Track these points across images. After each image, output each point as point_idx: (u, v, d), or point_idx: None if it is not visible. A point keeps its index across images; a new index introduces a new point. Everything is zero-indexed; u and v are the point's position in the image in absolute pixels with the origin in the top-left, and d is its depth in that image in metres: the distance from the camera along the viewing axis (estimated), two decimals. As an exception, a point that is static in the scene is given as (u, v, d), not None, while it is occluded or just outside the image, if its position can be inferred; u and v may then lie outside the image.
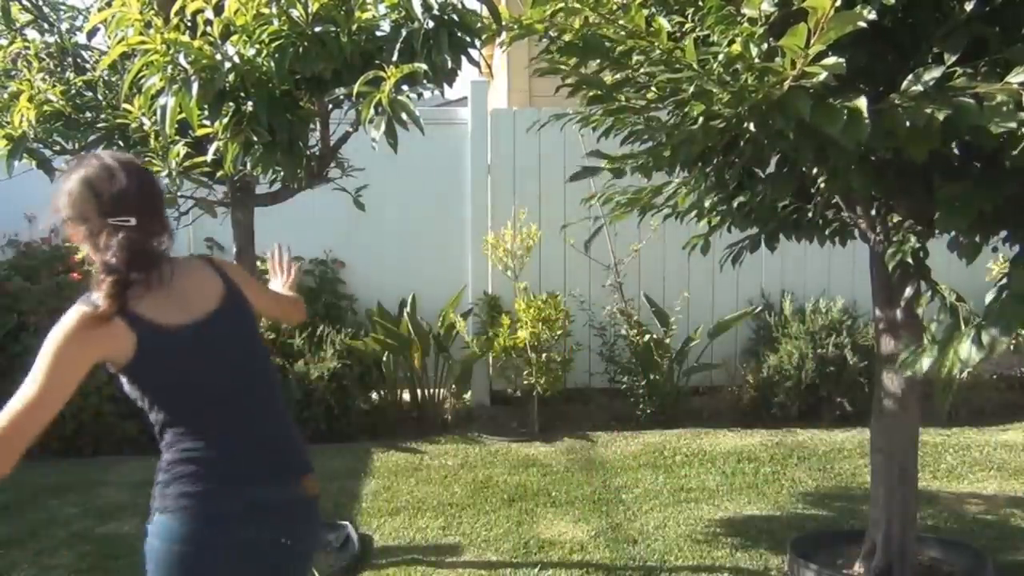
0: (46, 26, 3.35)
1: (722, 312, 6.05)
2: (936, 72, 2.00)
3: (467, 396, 6.00)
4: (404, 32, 2.56)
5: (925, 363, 2.36)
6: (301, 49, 2.52)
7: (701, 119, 2.32)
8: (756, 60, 2.02)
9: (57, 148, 3.20)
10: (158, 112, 2.59)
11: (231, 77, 2.53)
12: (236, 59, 2.52)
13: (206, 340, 1.68)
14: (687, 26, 2.39)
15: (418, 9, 2.52)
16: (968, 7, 2.10)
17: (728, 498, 4.24)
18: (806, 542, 3.47)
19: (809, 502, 4.19)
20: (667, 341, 5.66)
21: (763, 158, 2.86)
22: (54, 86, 3.06)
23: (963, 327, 2.29)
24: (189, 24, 2.67)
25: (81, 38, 3.34)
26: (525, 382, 5.49)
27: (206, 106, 2.58)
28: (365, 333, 5.57)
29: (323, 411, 5.19)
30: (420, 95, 2.67)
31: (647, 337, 5.59)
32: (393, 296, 5.96)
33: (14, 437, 1.46)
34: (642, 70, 2.38)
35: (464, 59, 2.66)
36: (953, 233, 2.57)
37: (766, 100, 2.06)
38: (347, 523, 3.81)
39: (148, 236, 1.64)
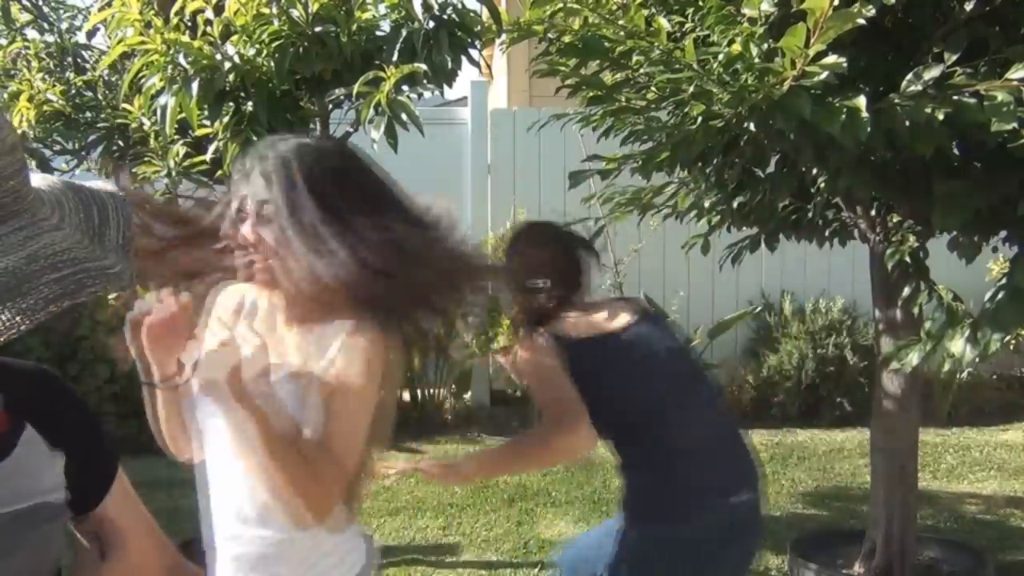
0: (46, 26, 3.35)
1: (722, 312, 6.03)
2: (936, 71, 2.00)
3: (467, 396, 5.99)
4: (404, 32, 2.56)
5: (914, 358, 2.36)
6: (301, 49, 2.52)
7: (701, 119, 2.32)
8: (756, 60, 2.02)
9: (57, 148, 3.20)
10: (158, 112, 2.59)
11: (231, 77, 2.53)
12: (236, 59, 2.52)
13: None
14: (687, 26, 2.38)
15: (418, 9, 2.52)
16: (968, 7, 2.10)
17: (728, 498, 4.24)
18: (806, 542, 3.47)
19: (809, 502, 4.19)
20: (667, 341, 5.65)
21: (763, 158, 2.86)
22: (54, 86, 3.06)
23: (957, 324, 2.30)
24: (189, 24, 2.67)
25: (81, 38, 3.34)
26: (525, 382, 5.48)
27: (206, 106, 2.58)
28: (365, 333, 5.56)
29: (323, 411, 5.19)
30: (420, 95, 2.66)
31: (647, 337, 5.58)
32: (393, 296, 5.95)
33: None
34: (642, 70, 2.38)
35: (464, 59, 2.66)
36: (953, 233, 2.57)
37: (766, 100, 2.06)
38: (347, 523, 3.81)
39: None
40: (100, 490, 1.05)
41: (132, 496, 1.10)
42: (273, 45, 2.49)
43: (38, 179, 0.88)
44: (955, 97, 1.96)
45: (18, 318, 0.73)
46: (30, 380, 1.02)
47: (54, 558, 0.99)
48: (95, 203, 0.87)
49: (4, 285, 0.74)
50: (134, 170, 3.08)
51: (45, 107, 3.01)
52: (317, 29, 2.50)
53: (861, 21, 1.82)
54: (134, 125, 2.94)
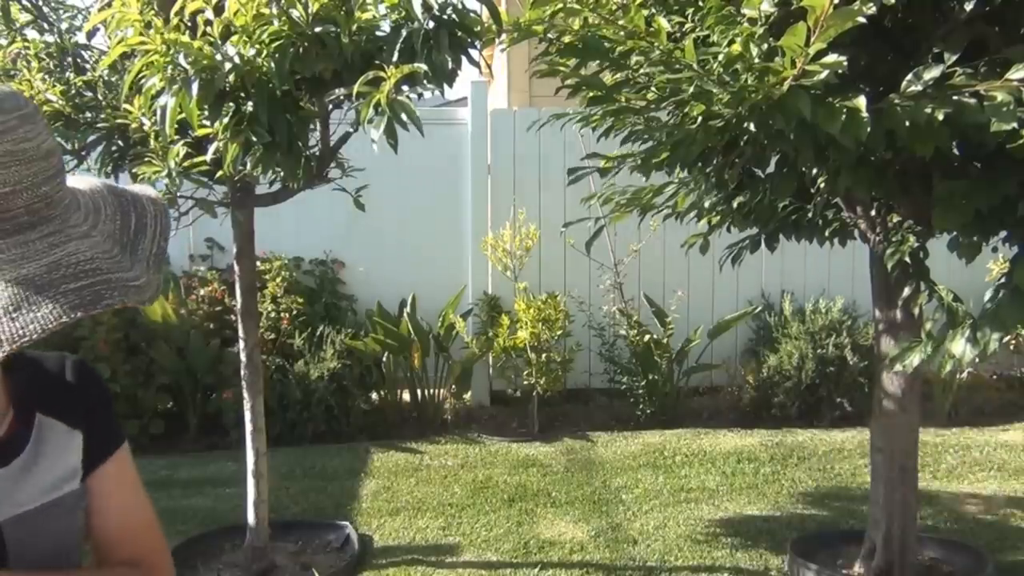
0: (46, 26, 3.35)
1: (722, 312, 6.05)
2: (936, 71, 2.00)
3: (467, 396, 6.00)
4: (404, 32, 2.56)
5: (915, 359, 2.37)
6: (301, 49, 2.52)
7: (701, 119, 2.32)
8: (756, 60, 2.02)
9: (57, 148, 3.19)
10: (158, 112, 2.59)
11: (231, 77, 2.53)
12: (236, 59, 2.52)
13: None
14: (687, 26, 2.38)
15: (418, 9, 2.52)
16: (968, 7, 2.10)
17: (728, 498, 4.24)
18: (806, 542, 3.47)
19: (809, 502, 4.19)
20: (667, 341, 5.66)
21: (763, 158, 2.86)
22: (54, 86, 3.06)
23: (958, 325, 2.30)
24: (189, 24, 2.67)
25: (81, 38, 3.33)
26: (525, 382, 5.49)
27: (206, 106, 2.58)
28: (365, 333, 5.57)
29: (323, 411, 5.19)
30: (420, 95, 2.66)
31: (647, 337, 5.59)
32: (393, 296, 5.96)
33: None
34: (642, 71, 2.38)
35: (464, 59, 2.66)
36: (953, 233, 2.57)
37: (766, 100, 2.06)
38: (347, 523, 3.81)
39: None
40: (103, 453, 1.05)
41: (130, 486, 1.10)
42: (273, 45, 2.49)
43: (81, 181, 0.86)
44: (955, 97, 1.96)
45: (31, 326, 0.71)
46: (51, 367, 1.04)
47: (76, 540, 1.01)
48: (135, 210, 0.86)
49: (20, 294, 0.72)
50: (134, 170, 3.08)
51: (45, 107, 3.01)
52: (317, 29, 2.50)
53: (862, 19, 1.82)
54: (134, 125, 2.94)
